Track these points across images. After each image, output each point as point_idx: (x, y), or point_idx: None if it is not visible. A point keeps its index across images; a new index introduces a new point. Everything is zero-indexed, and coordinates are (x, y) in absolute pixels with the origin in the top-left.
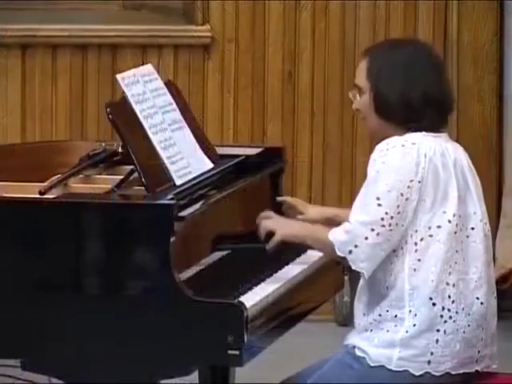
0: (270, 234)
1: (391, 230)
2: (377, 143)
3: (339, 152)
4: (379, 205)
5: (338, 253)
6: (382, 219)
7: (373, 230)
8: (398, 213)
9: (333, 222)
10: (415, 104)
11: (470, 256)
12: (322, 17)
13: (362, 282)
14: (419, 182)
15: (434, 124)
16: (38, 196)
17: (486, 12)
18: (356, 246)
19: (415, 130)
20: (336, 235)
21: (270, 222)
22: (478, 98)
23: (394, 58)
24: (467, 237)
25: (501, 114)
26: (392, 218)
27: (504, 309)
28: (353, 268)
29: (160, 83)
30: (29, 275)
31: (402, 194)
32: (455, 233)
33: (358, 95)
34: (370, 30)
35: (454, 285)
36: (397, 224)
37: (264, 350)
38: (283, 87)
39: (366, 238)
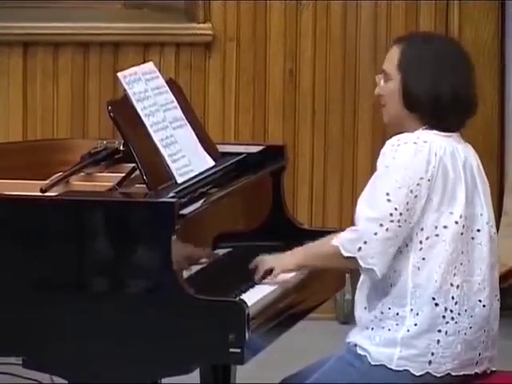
0: (269, 272)
1: (400, 226)
2: (388, 138)
3: (340, 150)
4: (388, 200)
5: (345, 253)
6: (391, 215)
7: (381, 225)
8: (407, 210)
9: None
10: (443, 101)
11: (475, 258)
12: (323, 15)
13: (363, 275)
14: (429, 180)
15: (455, 124)
16: (39, 194)
17: (487, 11)
18: (365, 243)
19: (434, 127)
20: (342, 236)
21: (266, 260)
22: (480, 96)
23: (427, 52)
24: (472, 238)
25: (502, 113)
26: (401, 214)
27: (505, 307)
28: (363, 266)
29: (161, 81)
30: (30, 274)
31: (411, 191)
32: (461, 234)
33: (383, 80)
34: (372, 29)
35: (458, 286)
36: (405, 220)
37: (265, 348)
38: (284, 85)
39: (376, 234)
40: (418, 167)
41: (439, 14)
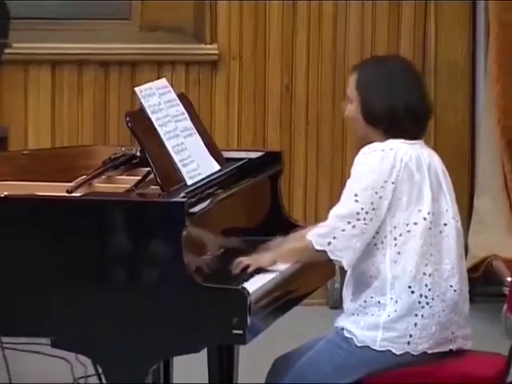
0: (246, 268)
1: (366, 224)
2: (360, 147)
3: (331, 157)
4: (356, 201)
5: (316, 246)
6: (358, 213)
7: (349, 222)
8: (373, 209)
9: None
10: (399, 114)
11: (443, 249)
12: (316, 38)
13: (348, 272)
14: (393, 183)
15: (415, 132)
16: (66, 194)
17: (459, 32)
18: (334, 238)
19: (397, 137)
20: (314, 232)
21: (243, 259)
22: (453, 109)
23: (378, 71)
24: (440, 232)
25: (473, 125)
26: (367, 213)
27: (475, 293)
28: (332, 258)
29: (173, 95)
30: (56, 265)
31: (376, 193)
32: (430, 229)
33: (349, 105)
34: (358, 49)
35: (430, 274)
36: (371, 219)
37: (264, 330)
38: (281, 99)
39: (343, 230)
40: (384, 172)
41: (418, 34)
